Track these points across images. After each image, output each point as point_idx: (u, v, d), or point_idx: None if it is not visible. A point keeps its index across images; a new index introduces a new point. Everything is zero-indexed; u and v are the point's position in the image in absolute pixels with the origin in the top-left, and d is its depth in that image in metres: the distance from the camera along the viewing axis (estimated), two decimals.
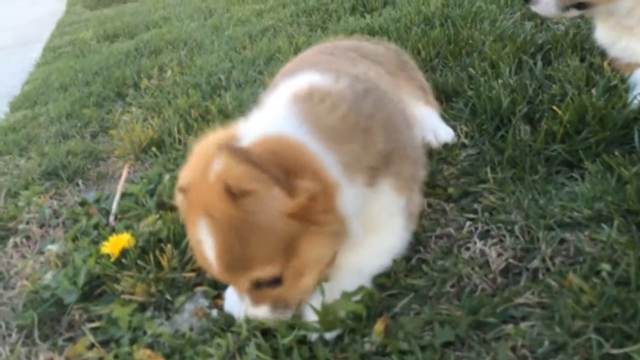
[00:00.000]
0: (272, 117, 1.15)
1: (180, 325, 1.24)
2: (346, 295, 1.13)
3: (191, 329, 1.23)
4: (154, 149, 2.11)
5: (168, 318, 1.28)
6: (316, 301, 1.13)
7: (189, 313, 1.26)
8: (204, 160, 1.06)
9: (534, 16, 2.32)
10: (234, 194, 0.98)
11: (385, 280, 1.24)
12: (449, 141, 1.69)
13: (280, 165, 0.99)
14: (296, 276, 1.08)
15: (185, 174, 1.12)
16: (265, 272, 1.04)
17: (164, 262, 1.38)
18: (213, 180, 1.01)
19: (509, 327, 1.04)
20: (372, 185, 1.17)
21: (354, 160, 1.12)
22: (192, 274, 1.35)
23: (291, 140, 1.05)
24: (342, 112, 1.14)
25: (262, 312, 1.11)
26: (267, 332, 1.14)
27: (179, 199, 1.14)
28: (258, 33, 3.34)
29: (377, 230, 1.21)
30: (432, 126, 1.72)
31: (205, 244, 1.02)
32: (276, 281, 1.06)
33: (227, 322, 1.21)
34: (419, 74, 1.84)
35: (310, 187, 1.01)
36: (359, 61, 1.58)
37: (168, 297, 1.32)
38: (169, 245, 1.42)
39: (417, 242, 1.34)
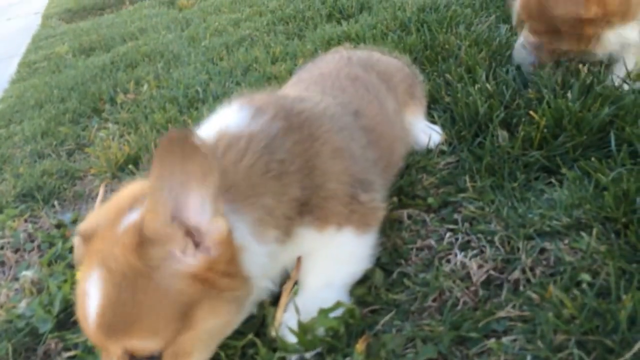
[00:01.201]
0: None
1: None
2: (323, 312, 1.10)
3: None
4: (130, 166, 2.08)
5: None
6: (292, 321, 1.10)
7: None
8: (116, 209, 0.99)
9: (508, 18, 2.32)
10: (143, 244, 0.91)
11: (366, 296, 1.22)
12: (437, 146, 1.68)
13: None
14: (181, 356, 0.95)
15: (91, 220, 1.04)
16: (145, 343, 0.92)
17: None
18: (124, 229, 0.94)
19: (492, 342, 1.02)
20: (288, 237, 1.10)
21: (265, 215, 1.04)
22: None
23: None
24: (248, 162, 1.05)
25: None
26: (245, 354, 1.11)
27: (76, 244, 1.06)
28: (235, 43, 3.31)
29: (326, 245, 1.17)
30: (422, 131, 1.71)
31: (90, 297, 0.92)
32: (154, 357, 0.94)
33: None
34: (422, 87, 1.82)
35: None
36: (360, 80, 1.53)
37: None
38: None
39: (398, 255, 1.32)
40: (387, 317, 1.15)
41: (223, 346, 1.13)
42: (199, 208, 0.91)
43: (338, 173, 1.15)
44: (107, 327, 0.92)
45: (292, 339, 1.09)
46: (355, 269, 1.22)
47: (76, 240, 1.06)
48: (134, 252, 0.91)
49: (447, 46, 2.27)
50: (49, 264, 1.61)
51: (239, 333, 1.13)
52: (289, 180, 1.08)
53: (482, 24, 2.40)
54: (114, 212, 0.99)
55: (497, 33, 2.24)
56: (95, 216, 1.05)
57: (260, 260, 1.03)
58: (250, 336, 1.12)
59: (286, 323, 1.12)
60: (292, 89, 1.52)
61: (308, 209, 1.11)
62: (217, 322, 1.00)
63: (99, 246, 0.96)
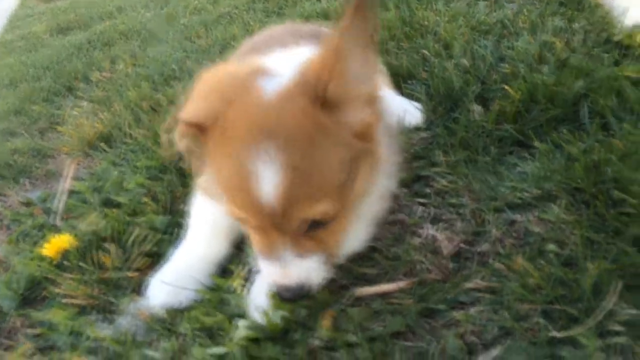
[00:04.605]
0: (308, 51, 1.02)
1: (124, 328, 1.19)
2: None
3: (135, 332, 1.18)
4: (102, 144, 2.03)
5: (111, 321, 1.22)
6: (261, 296, 1.09)
7: (133, 315, 1.21)
8: (221, 92, 0.93)
9: None
10: (327, 105, 0.87)
11: (335, 271, 1.20)
12: (415, 122, 1.66)
13: None
14: (343, 215, 0.94)
15: (197, 109, 0.95)
16: (326, 207, 0.88)
17: (107, 262, 1.32)
18: (287, 96, 0.89)
19: (459, 314, 1.02)
20: None
21: None
22: (136, 274, 1.30)
23: None
24: None
25: (304, 271, 0.94)
26: (212, 333, 1.09)
27: (187, 135, 0.97)
28: (213, 21, 3.25)
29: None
30: (401, 108, 1.68)
31: (262, 174, 0.85)
32: (321, 223, 0.91)
33: (173, 322, 1.17)
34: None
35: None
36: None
37: (111, 298, 1.26)
38: (112, 245, 1.36)
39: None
40: (355, 291, 1.14)
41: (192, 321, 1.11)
42: (370, 73, 0.92)
43: None
44: (292, 198, 0.86)
45: (260, 319, 1.08)
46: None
47: (185, 132, 0.96)
48: (319, 113, 0.87)
49: (425, 22, 2.24)
50: (16, 242, 1.57)
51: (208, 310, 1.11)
52: None
53: (461, 0, 2.37)
54: (221, 96, 0.92)
55: (475, 9, 2.21)
56: (197, 105, 0.95)
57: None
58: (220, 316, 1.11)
59: (254, 299, 1.10)
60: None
61: None
62: (368, 184, 0.98)
63: (243, 124, 0.89)
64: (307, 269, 0.94)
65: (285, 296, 0.95)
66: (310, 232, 0.92)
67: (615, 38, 1.71)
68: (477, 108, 1.60)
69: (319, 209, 0.89)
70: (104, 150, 2.01)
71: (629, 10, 1.77)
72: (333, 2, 2.84)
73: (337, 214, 0.93)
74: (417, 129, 1.63)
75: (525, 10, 2.07)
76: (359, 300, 1.11)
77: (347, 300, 1.11)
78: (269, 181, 0.86)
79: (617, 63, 1.58)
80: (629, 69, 1.48)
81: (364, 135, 0.93)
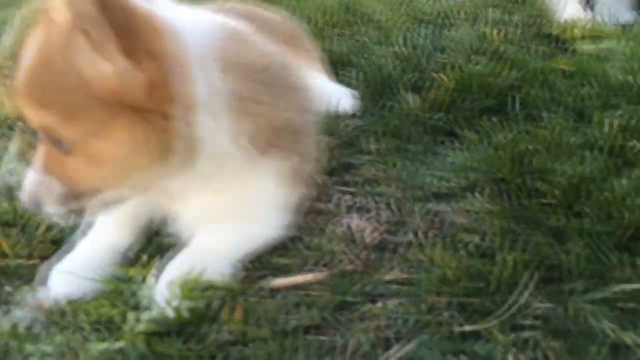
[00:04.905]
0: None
1: (20, 321, 1.09)
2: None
3: (32, 324, 1.08)
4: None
5: (7, 312, 1.12)
6: (168, 288, 1.01)
7: (32, 306, 1.11)
8: None
9: None
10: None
11: (253, 261, 1.14)
12: (350, 110, 1.61)
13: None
14: (91, 160, 0.92)
15: None
16: (48, 119, 0.89)
17: (7, 249, 1.22)
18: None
19: (376, 307, 0.97)
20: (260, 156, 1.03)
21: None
22: (39, 262, 1.20)
23: None
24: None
25: (35, 187, 0.95)
26: (112, 327, 1.01)
27: None
28: None
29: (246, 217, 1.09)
30: (334, 95, 1.63)
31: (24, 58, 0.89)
32: (61, 145, 0.91)
33: (75, 315, 1.08)
34: (313, 44, 1.74)
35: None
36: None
37: (8, 288, 1.16)
38: (14, 229, 1.25)
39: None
40: (270, 282, 1.07)
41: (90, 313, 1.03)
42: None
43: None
44: (25, 93, 0.89)
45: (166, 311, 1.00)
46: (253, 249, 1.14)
47: None
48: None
49: (369, 10, 2.20)
50: None
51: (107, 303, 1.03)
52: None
53: None
54: None
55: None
56: None
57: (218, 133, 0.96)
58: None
59: (160, 289, 1.02)
60: None
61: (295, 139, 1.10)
62: (131, 144, 0.91)
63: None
64: (39, 187, 0.96)
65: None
66: (61, 156, 0.93)
67: (552, 32, 1.71)
68: (412, 97, 1.57)
69: (39, 116, 0.90)
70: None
71: (566, 5, 1.78)
72: None
73: (78, 147, 0.91)
74: (351, 116, 1.59)
75: (467, 2, 2.06)
76: (274, 293, 1.05)
77: (260, 291, 1.05)
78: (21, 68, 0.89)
79: (552, 56, 1.58)
80: (561, 62, 1.48)
81: (123, 92, 0.86)
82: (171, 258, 1.10)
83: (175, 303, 0.99)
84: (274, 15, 1.67)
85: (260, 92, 1.01)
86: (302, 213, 1.23)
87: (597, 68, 1.37)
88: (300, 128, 1.12)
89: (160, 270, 1.09)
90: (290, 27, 1.63)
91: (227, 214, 1.08)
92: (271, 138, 1.04)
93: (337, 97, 1.60)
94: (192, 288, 1.01)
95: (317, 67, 1.64)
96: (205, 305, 1.01)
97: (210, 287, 1.02)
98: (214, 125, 0.95)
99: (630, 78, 1.28)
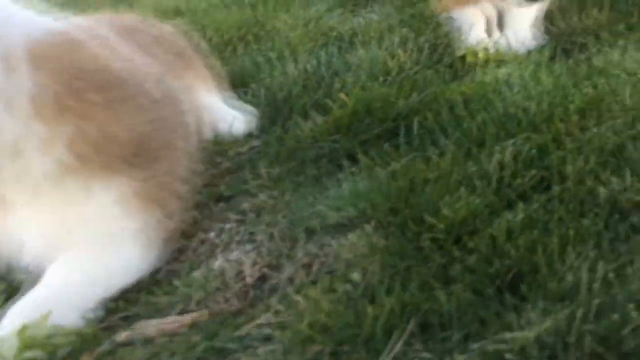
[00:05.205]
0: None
1: None
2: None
3: None
4: None
5: None
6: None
7: None
8: None
9: (344, 4, 2.23)
10: None
11: (118, 300, 1.01)
12: (244, 131, 1.51)
13: None
14: None
15: None
16: None
17: None
18: None
19: (246, 355, 0.86)
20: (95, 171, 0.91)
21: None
22: None
23: None
24: None
25: None
26: None
27: None
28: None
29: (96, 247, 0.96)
30: (223, 115, 1.52)
31: None
32: None
33: None
34: (206, 60, 1.63)
35: None
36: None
37: None
38: None
39: (174, 249, 1.13)
40: (134, 327, 0.95)
41: None
42: None
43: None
44: None
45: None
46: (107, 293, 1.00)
47: None
48: None
49: (279, 25, 2.12)
50: None
51: None
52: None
53: (318, 5, 2.27)
54: None
55: (329, 16, 2.13)
56: None
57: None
58: None
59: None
60: None
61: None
62: None
63: None
64: None
65: None
66: None
67: (457, 55, 1.68)
68: (313, 117, 1.49)
69: None
70: None
71: (472, 28, 1.76)
72: None
73: None
74: (247, 137, 1.49)
75: (377, 21, 2.02)
76: (133, 339, 0.93)
77: (119, 337, 0.92)
78: None
79: (455, 79, 1.54)
80: (463, 86, 1.44)
81: None
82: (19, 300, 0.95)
83: (11, 355, 0.85)
84: (165, 31, 1.55)
85: (90, 99, 0.89)
86: (175, 243, 1.11)
87: (496, 93, 1.34)
88: (163, 145, 1.00)
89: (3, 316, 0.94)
90: (181, 43, 1.52)
91: (72, 241, 0.94)
92: (112, 152, 0.92)
93: (231, 116, 1.50)
94: (34, 336, 0.87)
95: (209, 85, 1.53)
96: (49, 356, 0.87)
97: (56, 334, 0.88)
98: (15, 126, 0.83)
99: (527, 104, 1.25)
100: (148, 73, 1.10)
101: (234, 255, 1.07)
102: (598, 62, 1.49)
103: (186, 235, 1.16)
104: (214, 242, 1.13)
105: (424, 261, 0.90)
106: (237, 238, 1.12)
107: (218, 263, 1.07)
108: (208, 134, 1.46)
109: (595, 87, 1.30)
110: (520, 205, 0.94)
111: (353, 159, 1.33)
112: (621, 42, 1.57)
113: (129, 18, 1.60)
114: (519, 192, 1.00)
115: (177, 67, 1.45)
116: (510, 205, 0.97)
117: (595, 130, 1.13)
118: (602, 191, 0.96)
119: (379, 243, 0.97)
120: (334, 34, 1.95)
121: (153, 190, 1.01)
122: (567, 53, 1.66)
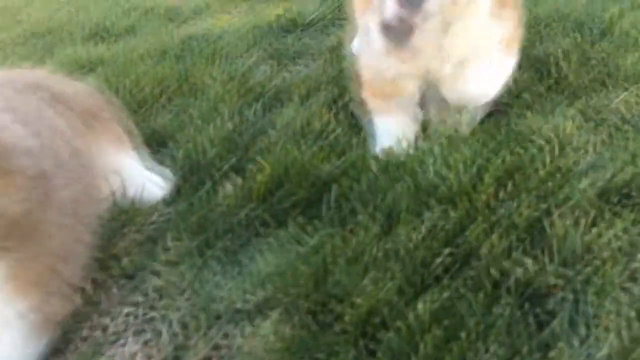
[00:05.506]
0: None
1: None
2: None
3: None
4: None
5: None
6: None
7: None
8: None
9: (271, 57, 2.19)
10: None
11: None
12: (158, 196, 1.41)
13: None
14: None
15: None
16: None
17: None
18: None
19: None
20: None
21: None
22: None
23: None
24: None
25: None
26: None
27: None
28: None
29: None
30: (135, 179, 1.42)
31: None
32: None
33: None
34: (120, 118, 1.53)
35: None
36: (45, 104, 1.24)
37: None
38: None
39: (61, 340, 1.01)
40: None
41: None
42: None
43: None
44: None
45: None
46: None
47: None
48: None
49: (203, 80, 2.04)
50: None
51: None
52: None
53: (246, 60, 2.22)
54: None
55: (256, 71, 2.07)
56: None
57: None
58: None
59: None
60: None
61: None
62: None
63: None
64: None
65: None
66: None
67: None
68: (230, 181, 1.41)
69: None
70: None
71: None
72: (115, 46, 2.55)
73: None
74: (160, 203, 1.39)
75: (303, 78, 1.98)
76: None
77: None
78: None
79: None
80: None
81: None
82: None
83: None
84: (73, 87, 1.45)
85: None
86: (61, 331, 0.99)
87: (417, 161, 1.30)
88: (42, 222, 0.91)
89: None
90: (89, 100, 1.42)
91: None
92: None
93: (144, 180, 1.41)
94: None
95: (121, 145, 1.43)
96: None
97: None
98: None
99: (445, 173, 1.22)
100: (34, 141, 1.00)
101: (127, 348, 0.97)
102: (518, 126, 1.49)
103: (76, 319, 1.05)
104: (108, 329, 1.03)
105: (329, 357, 0.82)
106: (134, 326, 1.02)
107: (109, 356, 0.96)
108: (117, 200, 1.36)
109: (512, 153, 1.29)
110: (433, 291, 0.89)
111: (268, 227, 1.26)
112: (537, 106, 1.57)
113: (33, 74, 1.49)
114: (432, 274, 0.95)
115: (83, 126, 1.35)
116: (424, 292, 0.91)
117: (510, 202, 1.10)
118: (517, 272, 0.93)
119: (285, 333, 0.89)
120: (258, 90, 1.90)
121: (31, 272, 0.91)
122: (489, 114, 1.66)
